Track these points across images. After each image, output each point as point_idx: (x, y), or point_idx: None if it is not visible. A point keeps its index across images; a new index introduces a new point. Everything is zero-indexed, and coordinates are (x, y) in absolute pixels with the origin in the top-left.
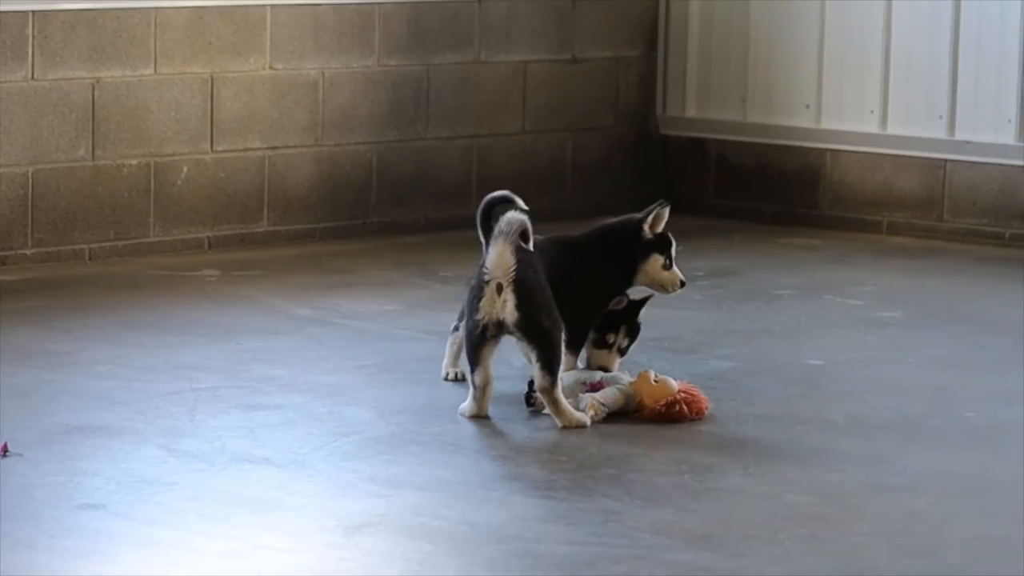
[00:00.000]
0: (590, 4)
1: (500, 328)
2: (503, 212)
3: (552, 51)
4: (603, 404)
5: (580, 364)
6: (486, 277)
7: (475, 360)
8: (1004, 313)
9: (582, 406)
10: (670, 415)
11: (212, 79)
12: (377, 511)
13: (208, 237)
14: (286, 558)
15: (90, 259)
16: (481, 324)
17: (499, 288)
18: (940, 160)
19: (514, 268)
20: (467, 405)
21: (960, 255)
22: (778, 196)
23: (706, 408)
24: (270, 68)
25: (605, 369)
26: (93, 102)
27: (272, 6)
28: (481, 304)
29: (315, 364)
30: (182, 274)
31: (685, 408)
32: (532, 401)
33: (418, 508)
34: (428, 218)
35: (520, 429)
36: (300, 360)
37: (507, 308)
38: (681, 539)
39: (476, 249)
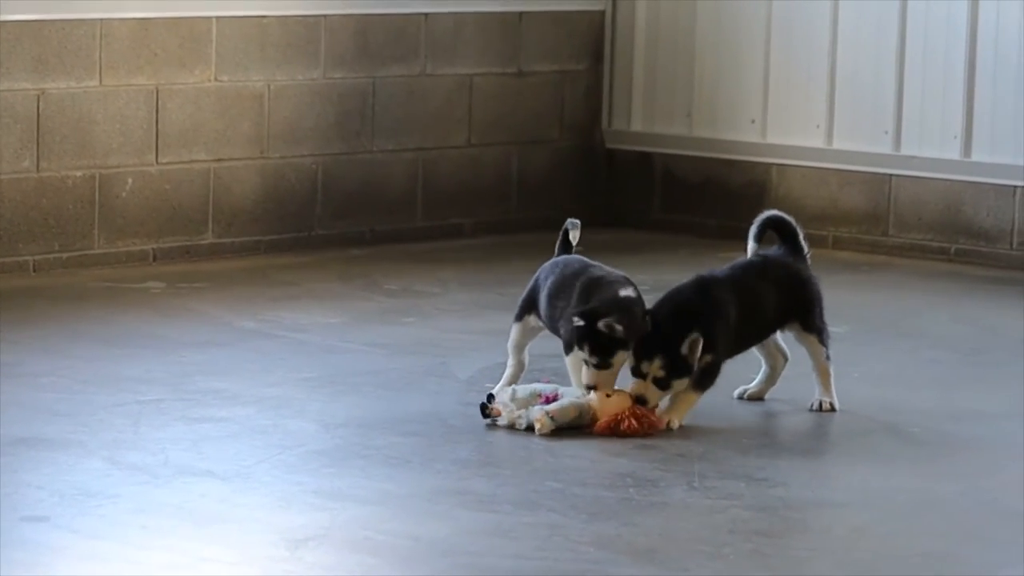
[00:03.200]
0: (536, 18)
1: None
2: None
3: (498, 64)
4: (552, 418)
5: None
6: None
7: None
8: (949, 328)
9: (533, 417)
10: (619, 431)
11: (157, 91)
12: (321, 524)
13: (153, 249)
14: (229, 571)
15: (34, 271)
16: None
17: None
18: (886, 175)
19: None
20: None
21: (905, 270)
22: (723, 210)
23: (657, 424)
24: (215, 80)
25: (642, 400)
26: (38, 113)
27: (218, 18)
28: None
29: (259, 376)
30: (127, 286)
31: (634, 423)
32: (488, 412)
33: (362, 522)
34: (374, 231)
35: (465, 443)
36: (244, 372)
37: None
38: (626, 553)
39: (421, 261)
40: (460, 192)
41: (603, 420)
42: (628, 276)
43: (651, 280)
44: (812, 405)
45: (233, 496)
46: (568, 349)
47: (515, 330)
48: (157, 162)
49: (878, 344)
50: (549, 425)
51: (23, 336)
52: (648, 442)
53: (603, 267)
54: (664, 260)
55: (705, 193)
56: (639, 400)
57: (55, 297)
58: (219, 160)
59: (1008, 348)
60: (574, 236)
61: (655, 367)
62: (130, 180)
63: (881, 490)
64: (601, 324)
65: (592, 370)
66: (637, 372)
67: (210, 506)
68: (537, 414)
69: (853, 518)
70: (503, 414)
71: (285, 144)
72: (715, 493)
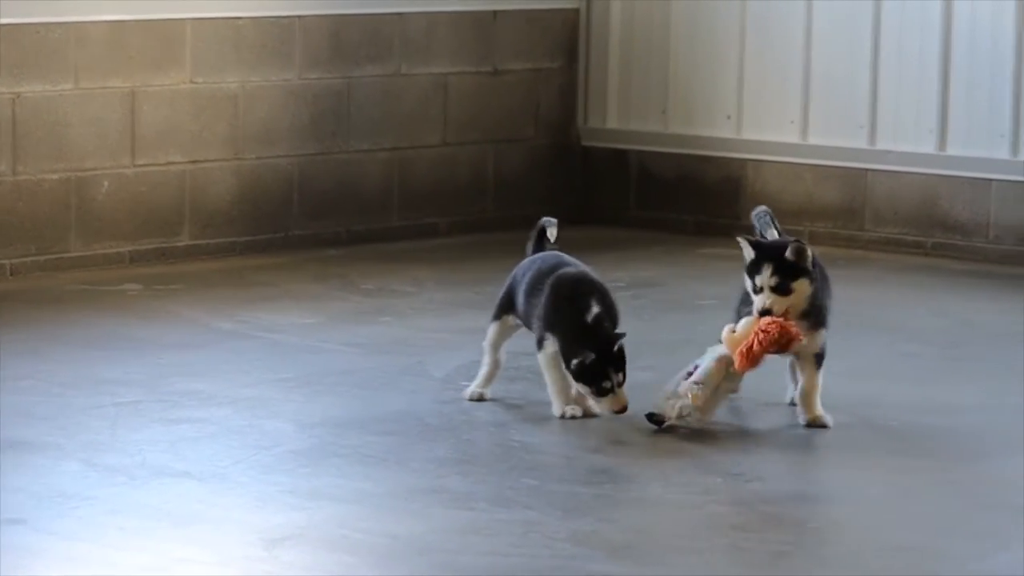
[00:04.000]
0: (511, 17)
1: None
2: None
3: (473, 64)
4: (698, 383)
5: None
6: None
7: None
8: (926, 322)
9: (683, 392)
10: (755, 353)
11: (133, 93)
12: (298, 524)
13: (129, 251)
14: (206, 572)
15: (11, 274)
16: None
17: None
18: (861, 170)
19: None
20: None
21: (882, 264)
22: (699, 207)
23: (788, 327)
24: (191, 82)
25: (766, 312)
26: (13, 117)
27: (192, 20)
28: None
29: (236, 377)
30: (103, 288)
31: (764, 335)
32: (655, 418)
33: (339, 520)
34: (349, 231)
35: (441, 441)
36: (221, 373)
37: None
38: (602, 549)
39: (397, 261)
40: (435, 191)
41: (737, 354)
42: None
43: (628, 277)
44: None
45: (210, 496)
46: (540, 345)
47: (492, 329)
48: (133, 164)
49: (855, 338)
50: (701, 394)
51: (0, 339)
52: (623, 438)
53: (577, 264)
54: (640, 257)
55: (681, 190)
56: (764, 313)
57: (32, 300)
58: (194, 162)
59: (985, 341)
60: (552, 234)
61: (767, 277)
62: (106, 183)
63: (858, 484)
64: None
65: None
66: (755, 290)
67: (187, 507)
68: (685, 388)
69: (830, 512)
70: (668, 413)
71: (260, 145)
72: (692, 488)
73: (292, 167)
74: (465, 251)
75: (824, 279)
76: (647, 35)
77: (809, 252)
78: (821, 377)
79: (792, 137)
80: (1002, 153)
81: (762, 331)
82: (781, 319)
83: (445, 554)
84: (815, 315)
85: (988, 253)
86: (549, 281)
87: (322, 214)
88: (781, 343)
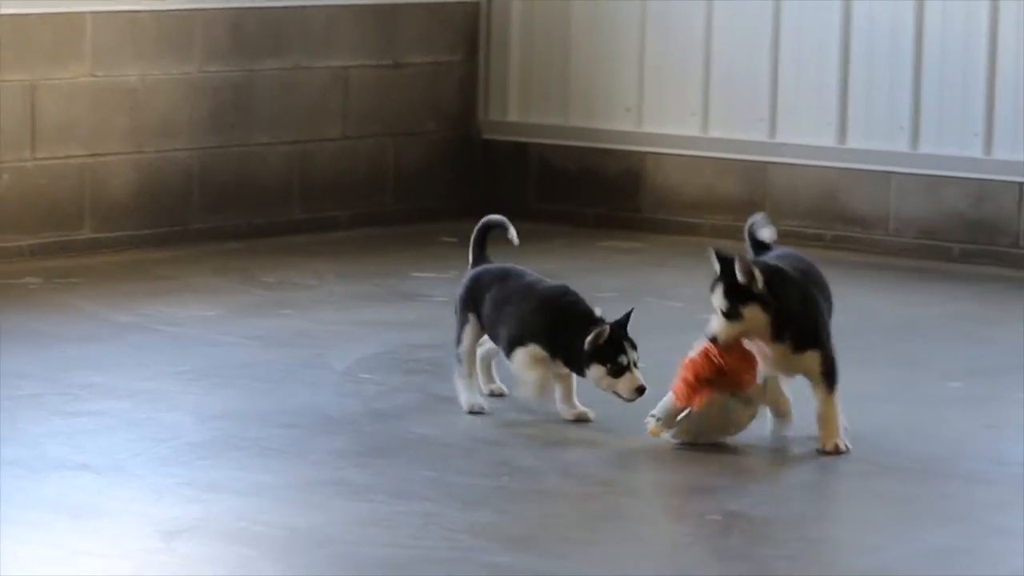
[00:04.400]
0: (411, 10)
1: None
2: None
3: (373, 57)
4: (653, 415)
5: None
6: None
7: None
8: None
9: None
10: (690, 390)
11: (33, 87)
12: (196, 516)
13: (30, 245)
14: (105, 564)
15: None
16: None
17: None
18: (761, 163)
19: None
20: None
21: None
22: (600, 200)
23: (712, 363)
24: (91, 75)
25: (713, 338)
26: None
27: (93, 13)
28: None
29: (135, 370)
30: (3, 282)
31: (694, 361)
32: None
33: (238, 513)
34: (250, 224)
35: (341, 434)
36: (121, 366)
37: None
38: (500, 541)
39: (298, 254)
40: (336, 185)
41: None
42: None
43: (528, 270)
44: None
45: (108, 489)
46: (515, 345)
47: (466, 333)
48: (33, 158)
49: None
50: (657, 427)
51: None
52: (522, 430)
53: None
54: (542, 250)
55: (581, 183)
56: (712, 339)
57: None
58: (95, 155)
59: (884, 333)
60: (512, 235)
61: (718, 299)
62: (5, 176)
63: (756, 475)
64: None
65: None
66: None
67: (86, 499)
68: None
69: (728, 503)
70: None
71: (160, 138)
72: (590, 481)
73: (192, 160)
74: (365, 244)
75: (817, 291)
76: (548, 28)
77: (757, 273)
78: (837, 400)
79: (693, 130)
80: (902, 146)
81: (688, 362)
82: (715, 349)
83: (344, 546)
84: (797, 335)
85: (888, 246)
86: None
87: (222, 207)
88: (711, 378)
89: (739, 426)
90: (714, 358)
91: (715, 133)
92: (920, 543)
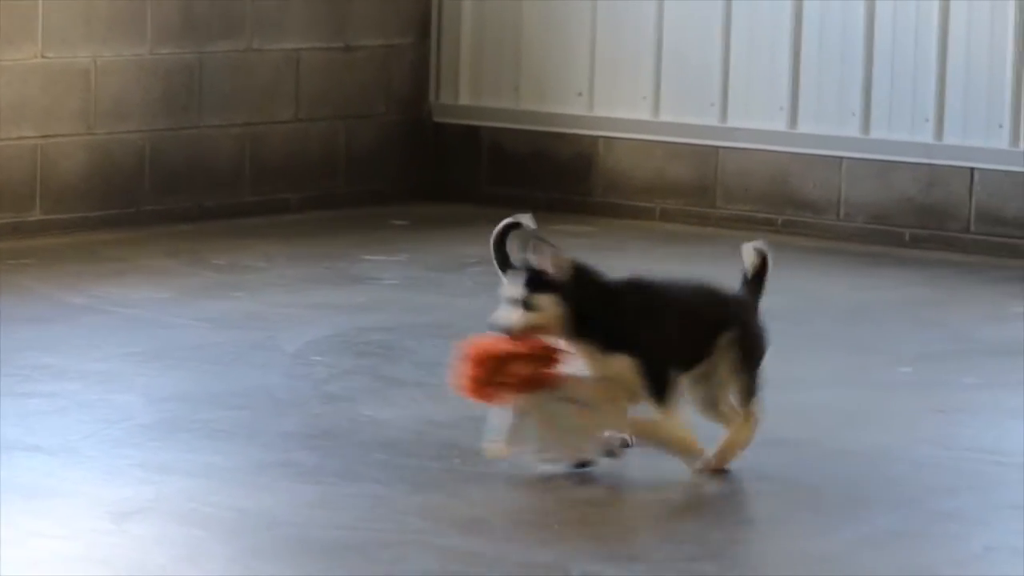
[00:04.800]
0: None
1: None
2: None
3: (325, 39)
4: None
5: None
6: None
7: None
8: (775, 299)
9: None
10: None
11: None
12: (147, 497)
13: None
14: (56, 545)
15: None
16: None
17: None
18: (712, 147)
19: None
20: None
21: (733, 241)
22: (551, 184)
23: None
24: (42, 57)
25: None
26: None
27: None
28: None
29: (87, 352)
30: None
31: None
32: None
33: (189, 494)
34: (201, 206)
35: (291, 416)
36: (72, 348)
37: None
38: (451, 524)
39: (249, 236)
40: (287, 167)
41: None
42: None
43: (479, 253)
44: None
45: (60, 470)
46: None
47: None
48: None
49: None
50: (497, 449)
51: None
52: (473, 413)
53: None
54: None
55: (533, 166)
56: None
57: None
58: (45, 136)
59: (833, 318)
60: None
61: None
62: None
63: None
64: None
65: None
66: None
67: (37, 480)
68: None
69: (680, 489)
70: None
71: (112, 120)
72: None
73: (144, 142)
74: (316, 227)
75: (682, 309)
76: (499, 11)
77: (561, 261)
78: (663, 420)
79: (644, 114)
80: (852, 131)
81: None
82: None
83: (293, 528)
84: (602, 337)
85: (838, 231)
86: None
87: (174, 189)
88: (495, 371)
89: (585, 432)
90: (497, 351)
91: (666, 117)
92: (870, 526)
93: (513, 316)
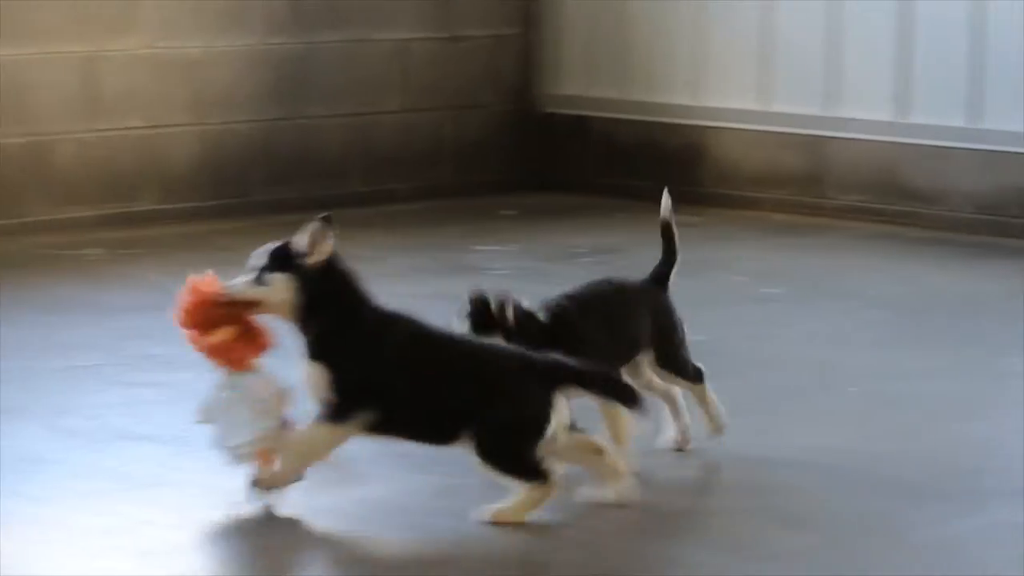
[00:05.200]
0: None
1: None
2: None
3: (432, 30)
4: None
5: None
6: None
7: None
8: (886, 289)
9: None
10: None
11: (91, 57)
12: None
13: (92, 216)
14: (168, 534)
15: None
16: None
17: None
18: (822, 137)
19: None
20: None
21: (843, 232)
22: (660, 173)
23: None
24: (150, 47)
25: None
26: None
27: None
28: None
29: None
30: (65, 253)
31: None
32: None
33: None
34: (310, 196)
35: None
36: (181, 337)
37: None
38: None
39: (358, 226)
40: (395, 157)
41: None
42: None
43: (589, 243)
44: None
45: (171, 460)
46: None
47: None
48: (95, 129)
49: (815, 305)
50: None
51: None
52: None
53: None
54: (601, 224)
55: (641, 156)
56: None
57: None
58: (155, 126)
59: (943, 308)
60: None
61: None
62: (67, 147)
63: (817, 449)
64: None
65: None
66: None
67: (148, 470)
68: None
69: (784, 471)
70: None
71: (223, 110)
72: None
73: (254, 132)
74: (424, 217)
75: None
76: (606, 0)
77: (321, 252)
78: (307, 432)
79: (753, 104)
80: (961, 121)
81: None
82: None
83: (410, 515)
84: (314, 342)
85: (948, 221)
86: None
87: (284, 179)
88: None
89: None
90: (209, 292)
91: (775, 107)
92: (986, 517)
93: (239, 282)
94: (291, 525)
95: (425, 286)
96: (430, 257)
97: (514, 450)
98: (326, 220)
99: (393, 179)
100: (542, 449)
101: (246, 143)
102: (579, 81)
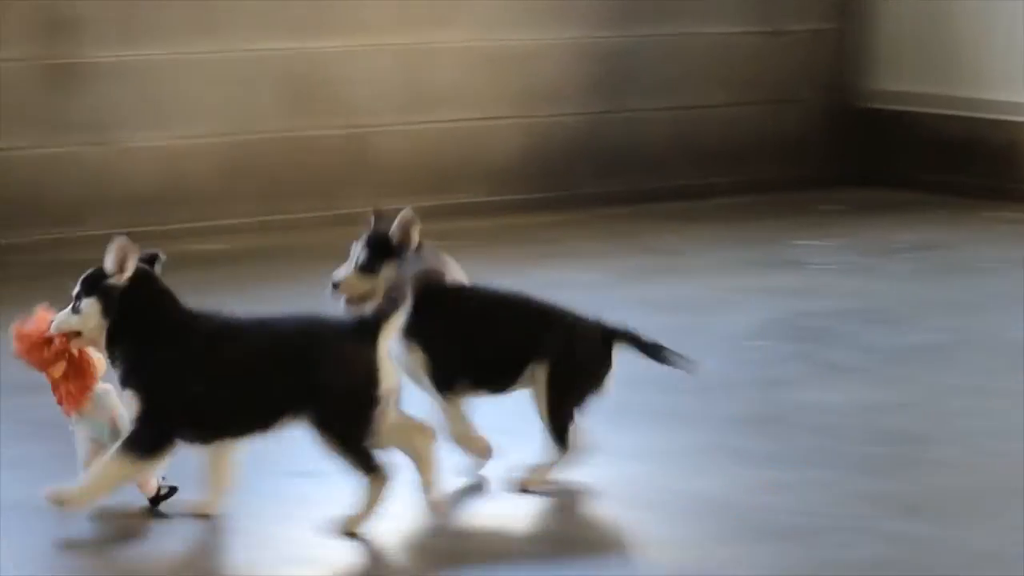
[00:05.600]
0: None
1: None
2: None
3: (754, 24)
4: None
5: None
6: None
7: None
8: None
9: None
10: None
11: (417, 50)
12: (592, 479)
13: (417, 207)
14: (503, 524)
15: (294, 228)
16: None
17: None
18: None
19: None
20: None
21: None
22: (984, 170)
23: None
24: (478, 40)
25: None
26: (293, 74)
27: None
28: None
29: None
30: None
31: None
32: None
33: (631, 477)
34: (634, 189)
35: (729, 400)
36: None
37: None
38: (897, 509)
39: (680, 219)
40: (719, 151)
41: None
42: None
43: (911, 239)
44: None
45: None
46: None
47: None
48: (417, 121)
49: None
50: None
51: (278, 293)
52: (921, 400)
53: None
54: (924, 219)
55: (964, 153)
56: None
57: (314, 255)
58: (483, 119)
59: None
60: None
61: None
62: (391, 139)
63: None
64: None
65: None
66: None
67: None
68: None
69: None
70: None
71: (550, 103)
72: (982, 451)
73: (580, 124)
74: (745, 211)
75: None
76: None
77: (124, 269)
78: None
79: None
80: None
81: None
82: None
83: (746, 511)
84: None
85: None
86: None
87: (609, 172)
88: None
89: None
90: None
91: None
92: None
93: (60, 315)
94: (627, 516)
95: (748, 279)
96: (753, 251)
97: (348, 423)
98: (128, 236)
99: (714, 173)
100: (376, 425)
101: (572, 136)
102: (899, 76)
